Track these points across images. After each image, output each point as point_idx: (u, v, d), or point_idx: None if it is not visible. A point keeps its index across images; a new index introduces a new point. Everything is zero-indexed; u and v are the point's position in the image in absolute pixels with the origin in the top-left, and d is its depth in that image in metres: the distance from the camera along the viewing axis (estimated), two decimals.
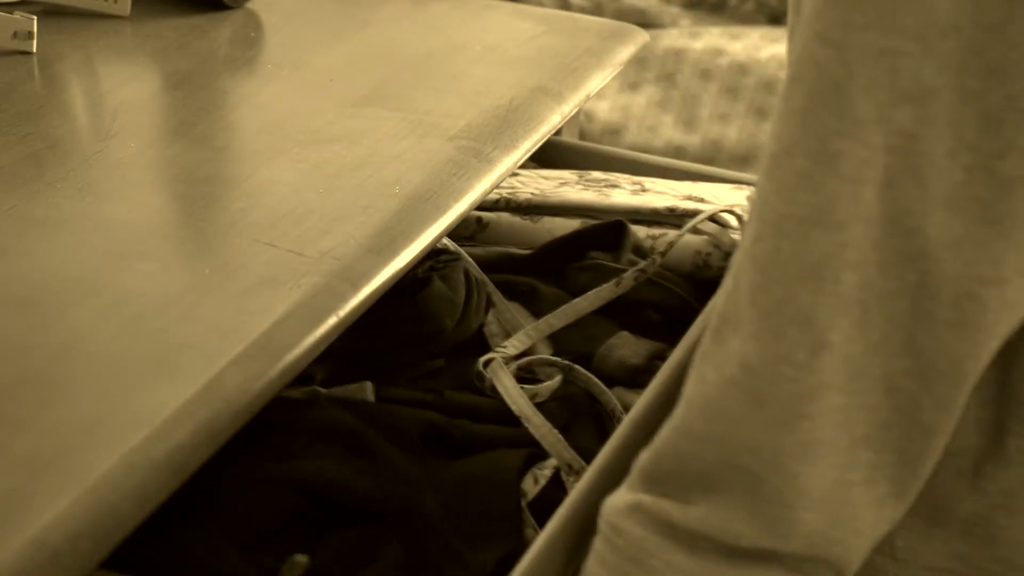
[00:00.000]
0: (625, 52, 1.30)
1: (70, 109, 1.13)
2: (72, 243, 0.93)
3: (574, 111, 1.20)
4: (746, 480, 0.69)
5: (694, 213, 1.23)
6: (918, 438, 0.69)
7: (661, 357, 1.08)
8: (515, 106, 1.15)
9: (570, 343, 1.13)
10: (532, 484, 0.97)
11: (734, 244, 1.19)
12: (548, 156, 1.37)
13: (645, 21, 2.32)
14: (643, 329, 1.14)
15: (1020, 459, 0.75)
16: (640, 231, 1.23)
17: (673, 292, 1.16)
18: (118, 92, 1.15)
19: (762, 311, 0.68)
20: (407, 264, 0.95)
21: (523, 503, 0.96)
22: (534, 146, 1.13)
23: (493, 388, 1.04)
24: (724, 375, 0.69)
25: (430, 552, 0.91)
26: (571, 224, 1.23)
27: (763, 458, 0.69)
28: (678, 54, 2.29)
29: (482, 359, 1.06)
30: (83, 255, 0.92)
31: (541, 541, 0.84)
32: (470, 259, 1.17)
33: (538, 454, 0.99)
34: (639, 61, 2.26)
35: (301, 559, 0.89)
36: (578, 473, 0.97)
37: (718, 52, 2.28)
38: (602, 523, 0.75)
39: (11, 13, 1.18)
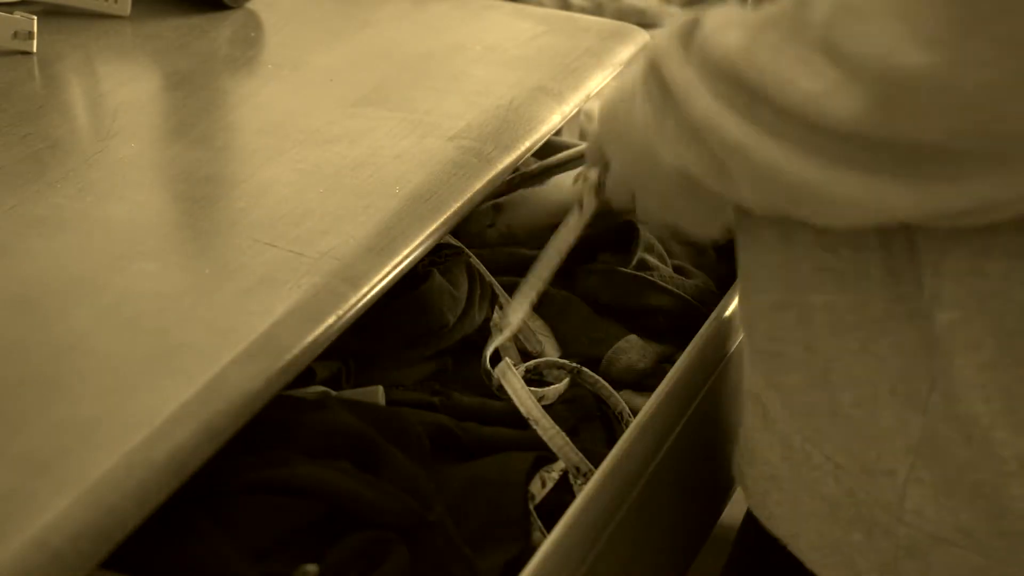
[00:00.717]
0: (625, 52, 1.30)
1: (70, 109, 1.13)
2: (72, 243, 0.93)
3: (574, 111, 1.20)
4: None
5: None
6: None
7: (669, 361, 1.08)
8: (515, 106, 1.15)
9: (578, 346, 1.13)
10: (540, 487, 0.97)
11: None
12: (548, 156, 1.37)
13: (645, 21, 2.31)
14: (651, 333, 1.14)
15: None
16: None
17: (681, 297, 1.15)
18: (118, 92, 1.15)
19: None
20: (407, 264, 0.95)
21: (531, 506, 0.96)
22: (534, 146, 1.13)
23: (500, 388, 1.04)
24: None
25: (437, 555, 0.91)
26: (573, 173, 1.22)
27: None
28: None
29: (487, 351, 1.05)
30: (83, 255, 0.92)
31: (549, 544, 0.84)
32: (471, 253, 1.16)
33: (546, 457, 0.99)
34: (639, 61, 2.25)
35: (311, 569, 0.88)
36: (586, 476, 0.97)
37: None
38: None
39: (11, 13, 1.18)
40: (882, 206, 0.72)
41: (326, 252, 0.92)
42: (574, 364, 1.08)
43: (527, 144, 1.12)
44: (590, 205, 1.01)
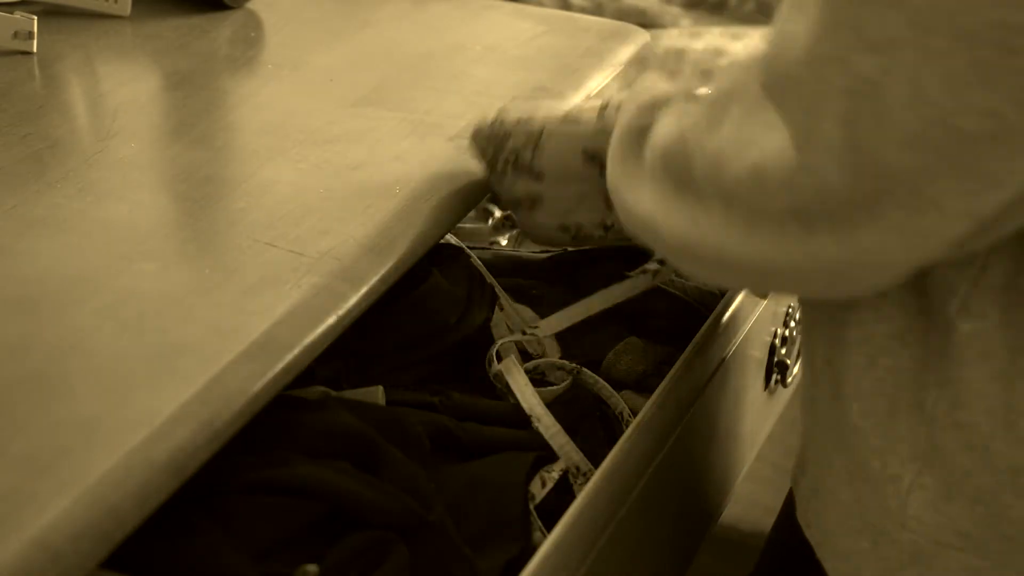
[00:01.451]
0: (625, 52, 1.30)
1: (70, 109, 1.13)
2: (72, 243, 0.93)
3: None
4: None
5: None
6: None
7: (669, 362, 1.08)
8: None
9: (579, 348, 1.12)
10: (540, 487, 0.97)
11: None
12: None
13: (645, 21, 2.31)
14: (651, 335, 1.14)
15: None
16: None
17: (681, 299, 1.16)
18: (118, 92, 1.15)
19: None
20: (407, 264, 0.95)
21: (531, 506, 0.96)
22: None
23: (506, 386, 1.04)
24: None
25: (437, 555, 0.91)
26: None
27: None
28: (678, 54, 2.30)
29: (500, 341, 1.05)
30: (83, 255, 0.92)
31: (549, 544, 0.84)
32: (471, 253, 1.16)
33: (546, 457, 0.99)
34: (639, 61, 2.26)
35: (311, 569, 0.88)
36: (586, 476, 0.97)
37: (718, 52, 2.28)
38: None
39: (11, 13, 1.18)
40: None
41: (326, 252, 0.92)
42: (575, 365, 1.08)
43: None
44: None
